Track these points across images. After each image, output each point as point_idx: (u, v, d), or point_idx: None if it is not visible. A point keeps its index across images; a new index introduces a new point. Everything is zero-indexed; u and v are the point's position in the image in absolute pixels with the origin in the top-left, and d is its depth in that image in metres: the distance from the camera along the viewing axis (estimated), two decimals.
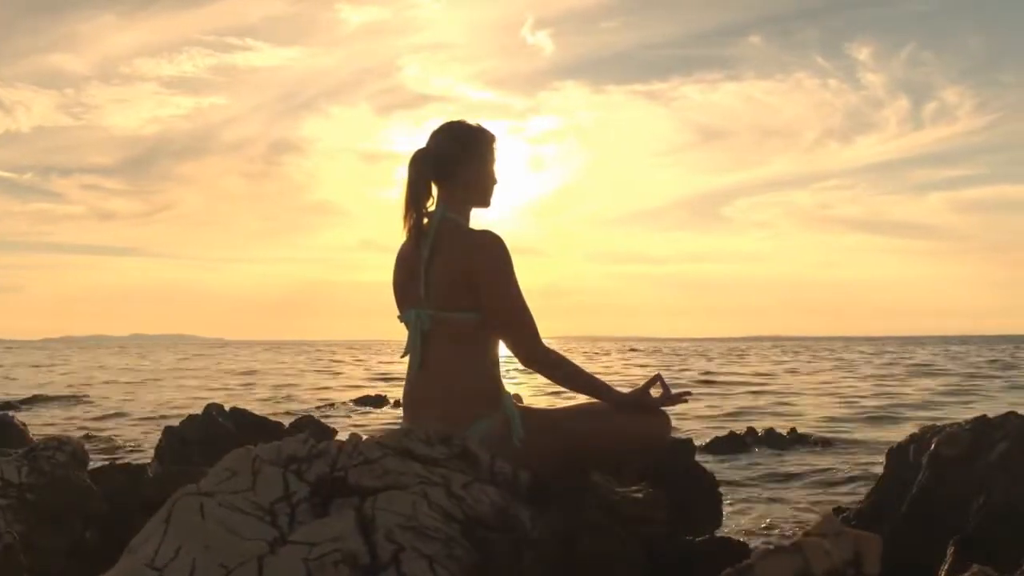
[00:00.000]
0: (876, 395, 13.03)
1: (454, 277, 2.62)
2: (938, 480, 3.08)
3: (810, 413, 10.29)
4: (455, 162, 2.74)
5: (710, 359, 34.17)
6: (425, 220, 2.76)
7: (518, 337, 2.66)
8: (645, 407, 2.71)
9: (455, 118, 2.84)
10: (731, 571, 1.05)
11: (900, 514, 3.13)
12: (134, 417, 10.59)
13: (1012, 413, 3.17)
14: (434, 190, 2.77)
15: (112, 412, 11.30)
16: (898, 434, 7.61)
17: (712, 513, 3.64)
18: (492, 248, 2.61)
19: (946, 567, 2.74)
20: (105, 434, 8.48)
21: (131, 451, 7.18)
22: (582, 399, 2.79)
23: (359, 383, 18.51)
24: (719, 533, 3.52)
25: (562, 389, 2.81)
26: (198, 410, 5.05)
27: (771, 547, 1.02)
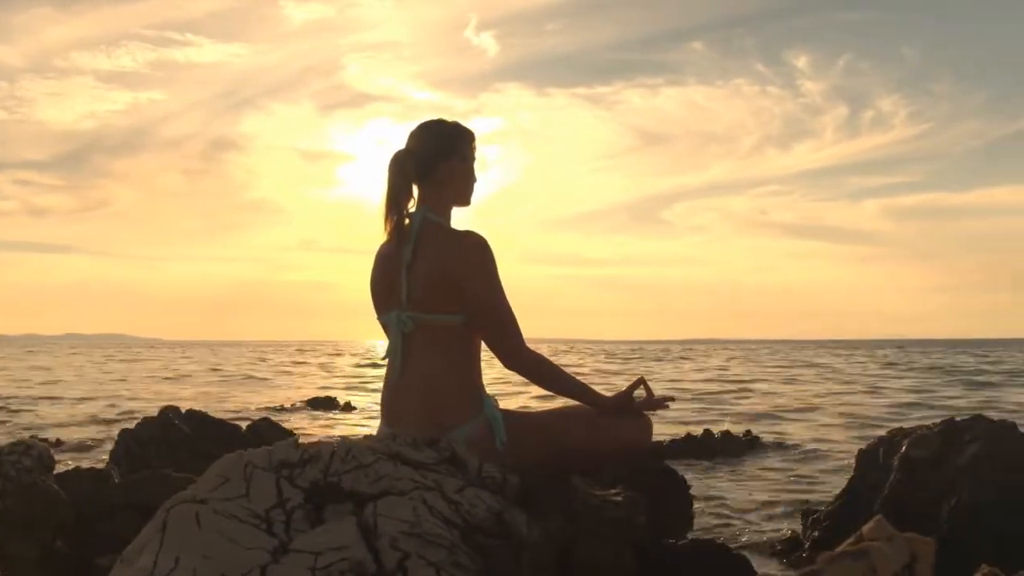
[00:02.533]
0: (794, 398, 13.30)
1: (437, 278, 2.58)
2: (909, 482, 3.14)
3: (747, 412, 10.48)
4: (437, 161, 2.70)
5: (656, 360, 34.56)
6: (406, 220, 2.72)
7: (502, 339, 2.62)
8: (628, 411, 2.70)
9: (433, 117, 2.80)
10: None
11: (872, 515, 3.17)
12: (76, 419, 10.28)
13: (980, 416, 3.24)
14: (414, 190, 2.73)
15: (47, 414, 10.98)
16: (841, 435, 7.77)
17: (684, 516, 3.65)
18: (477, 249, 2.58)
19: None
20: (47, 436, 8.22)
21: (74, 454, 6.96)
22: (564, 402, 2.77)
23: (305, 384, 18.27)
24: (691, 535, 3.53)
25: (544, 391, 2.79)
26: (140, 412, 4.92)
27: (836, 552, 1.01)
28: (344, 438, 2.11)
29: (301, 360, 36.12)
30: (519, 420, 2.73)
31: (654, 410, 2.71)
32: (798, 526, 3.75)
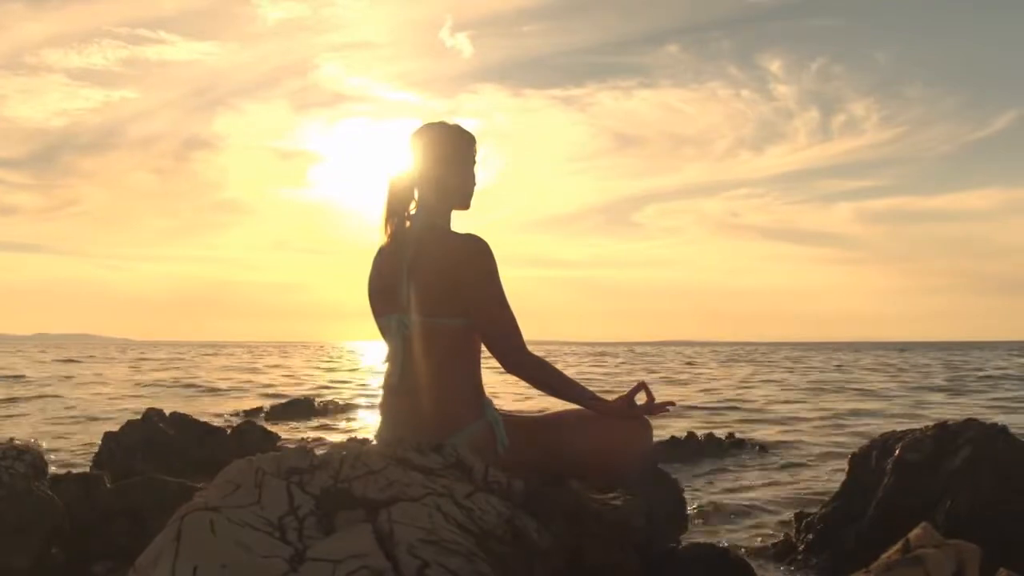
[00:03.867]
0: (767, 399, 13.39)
1: (439, 281, 2.57)
2: (904, 484, 3.16)
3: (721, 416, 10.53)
4: (438, 164, 2.69)
5: (629, 360, 34.68)
6: (407, 223, 2.71)
7: (504, 343, 2.62)
8: (629, 415, 2.70)
9: (437, 119, 2.79)
10: None
11: (867, 518, 3.20)
12: (44, 421, 10.12)
13: (972, 420, 3.27)
14: (415, 193, 2.72)
15: (16, 415, 10.79)
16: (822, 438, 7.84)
17: (678, 518, 3.65)
18: (479, 253, 2.57)
19: None
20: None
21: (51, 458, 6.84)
22: (565, 406, 2.76)
23: (279, 386, 18.12)
24: (684, 538, 3.54)
25: (541, 394, 2.78)
26: (112, 415, 4.84)
27: (889, 560, 1.00)
28: (353, 442, 2.08)
29: (273, 361, 35.85)
30: (519, 424, 2.73)
31: (655, 414, 2.71)
32: (789, 529, 3.77)
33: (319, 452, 2.00)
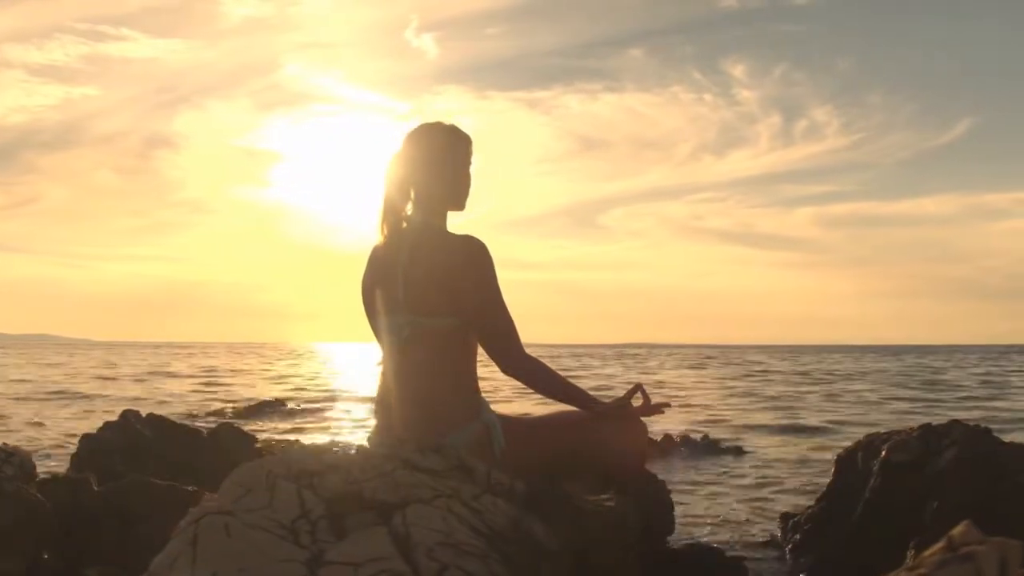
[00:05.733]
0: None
1: (436, 281, 2.56)
2: (890, 485, 3.20)
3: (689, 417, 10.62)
4: (434, 165, 2.68)
5: (599, 362, 34.81)
6: (404, 223, 2.69)
7: (501, 344, 2.61)
8: (626, 416, 2.71)
9: (432, 119, 2.78)
10: None
11: (855, 518, 3.24)
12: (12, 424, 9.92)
13: (956, 421, 3.33)
14: (411, 193, 2.70)
15: None
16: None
17: (665, 520, 3.67)
18: (476, 253, 2.56)
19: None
20: None
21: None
22: (561, 407, 2.76)
23: (247, 386, 17.94)
24: (671, 539, 3.55)
25: (538, 396, 2.78)
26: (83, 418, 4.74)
27: (938, 558, 1.01)
28: (362, 445, 2.06)
29: (236, 362, 35.46)
30: (515, 425, 2.72)
31: (651, 415, 2.72)
32: (775, 529, 3.81)
33: (328, 454, 1.98)
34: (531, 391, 2.68)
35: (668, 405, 2.76)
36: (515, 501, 2.21)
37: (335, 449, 2.12)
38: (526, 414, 2.95)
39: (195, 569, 1.48)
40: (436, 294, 2.56)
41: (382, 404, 2.73)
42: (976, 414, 10.47)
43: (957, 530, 1.05)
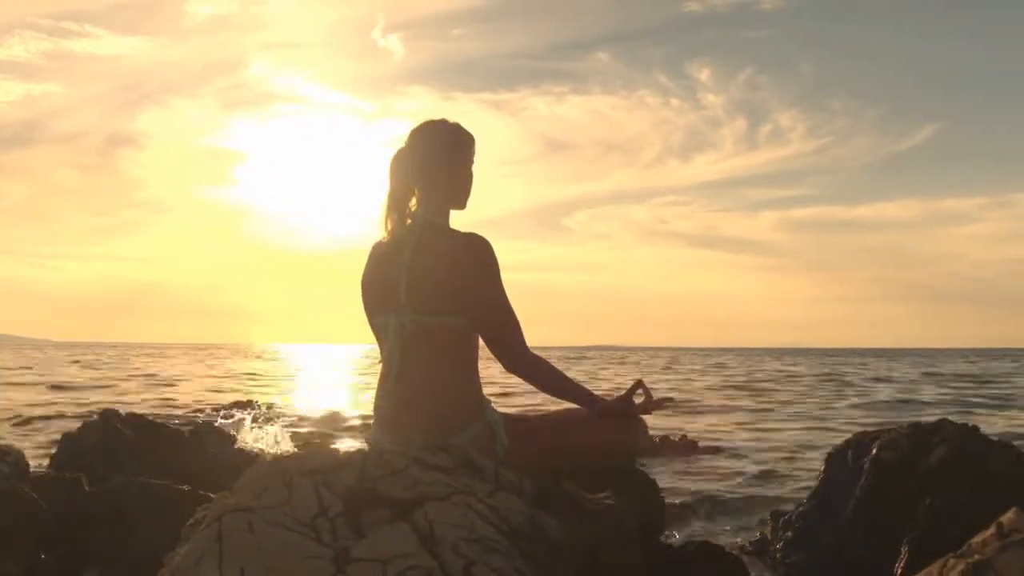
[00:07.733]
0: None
1: (440, 279, 2.54)
2: (881, 483, 3.24)
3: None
4: (438, 163, 2.65)
5: (577, 364, 34.85)
6: (408, 221, 2.67)
7: (504, 342, 2.59)
8: (628, 414, 2.70)
9: (436, 117, 2.76)
10: (966, 567, 1.05)
11: (846, 515, 3.27)
12: None
13: (945, 420, 3.38)
14: (415, 189, 2.68)
15: None
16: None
17: (657, 518, 3.69)
18: (480, 251, 2.54)
19: (902, 564, 2.88)
20: None
21: None
22: (563, 405, 2.75)
23: (214, 387, 17.73)
24: (662, 537, 3.58)
25: (539, 392, 2.77)
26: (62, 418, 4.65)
27: (1000, 543, 1.03)
28: (373, 442, 2.05)
29: (213, 363, 35.05)
30: (517, 424, 2.70)
31: (653, 412, 2.72)
32: (764, 527, 3.84)
33: (340, 452, 1.96)
34: (534, 388, 2.67)
35: (671, 400, 2.76)
36: (525, 499, 2.21)
37: (345, 447, 2.10)
38: (527, 412, 2.94)
39: (222, 566, 1.46)
40: (439, 292, 2.54)
41: (382, 404, 2.70)
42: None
43: (1006, 517, 1.06)
